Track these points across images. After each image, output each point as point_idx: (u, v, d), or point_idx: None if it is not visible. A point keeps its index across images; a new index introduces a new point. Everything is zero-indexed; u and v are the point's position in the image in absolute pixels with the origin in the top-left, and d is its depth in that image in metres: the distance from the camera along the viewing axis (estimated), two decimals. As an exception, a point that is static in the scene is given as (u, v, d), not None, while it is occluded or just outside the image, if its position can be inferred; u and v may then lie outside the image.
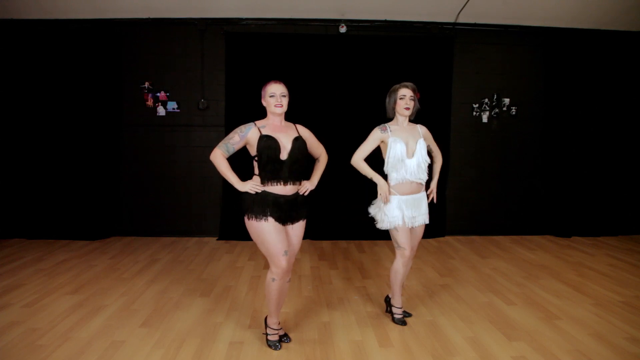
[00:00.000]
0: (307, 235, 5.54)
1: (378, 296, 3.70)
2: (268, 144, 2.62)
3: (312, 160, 2.96)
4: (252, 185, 2.65)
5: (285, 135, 2.70)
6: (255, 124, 2.73)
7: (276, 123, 2.74)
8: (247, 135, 2.69)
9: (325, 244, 5.41)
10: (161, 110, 5.61)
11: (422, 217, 3.11)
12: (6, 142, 5.47)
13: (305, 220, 2.85)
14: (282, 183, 2.66)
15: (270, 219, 2.63)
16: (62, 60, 5.39)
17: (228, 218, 5.56)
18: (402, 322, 3.18)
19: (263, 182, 2.66)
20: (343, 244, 5.44)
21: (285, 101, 2.70)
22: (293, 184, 2.70)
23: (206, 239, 5.64)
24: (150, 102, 5.59)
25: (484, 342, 2.90)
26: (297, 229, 2.80)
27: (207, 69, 5.57)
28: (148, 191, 5.66)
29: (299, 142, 2.70)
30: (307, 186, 2.79)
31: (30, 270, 4.24)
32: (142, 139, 5.62)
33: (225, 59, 5.52)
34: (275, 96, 2.68)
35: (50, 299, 3.55)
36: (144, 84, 5.56)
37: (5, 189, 5.50)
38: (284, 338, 2.89)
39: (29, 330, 2.99)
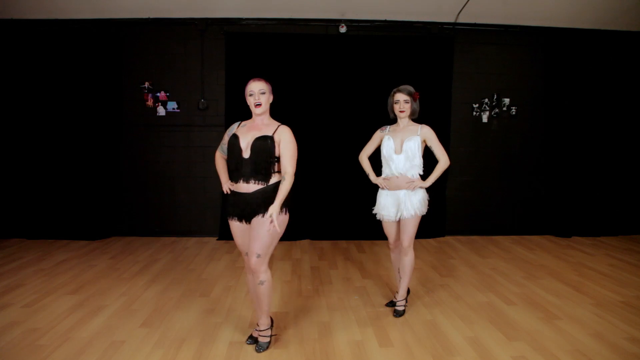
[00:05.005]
0: (307, 235, 5.59)
1: (378, 296, 3.71)
2: (231, 142, 2.69)
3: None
4: (225, 186, 2.80)
5: (256, 133, 2.66)
6: (239, 123, 2.80)
7: (257, 122, 2.72)
8: (231, 132, 2.77)
9: (325, 244, 5.41)
10: (161, 110, 5.61)
11: (403, 212, 3.19)
12: (6, 142, 5.47)
13: (262, 217, 2.61)
14: (243, 180, 2.65)
15: (234, 219, 2.73)
16: (63, 60, 5.38)
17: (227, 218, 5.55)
18: (398, 314, 3.31)
19: (231, 180, 2.74)
20: (343, 244, 5.44)
21: (264, 99, 2.65)
22: (255, 183, 2.63)
23: (206, 239, 5.63)
24: (150, 102, 5.59)
25: (484, 342, 2.90)
26: (254, 226, 2.63)
27: (207, 69, 5.57)
28: (148, 191, 5.66)
29: (260, 141, 2.62)
30: (270, 212, 2.54)
31: (30, 270, 4.24)
32: (142, 139, 5.62)
33: (225, 59, 5.52)
34: (254, 94, 2.65)
35: (50, 299, 3.55)
36: (144, 84, 5.56)
37: (5, 189, 5.50)
38: (249, 340, 2.88)
39: (29, 330, 2.99)
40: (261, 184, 2.64)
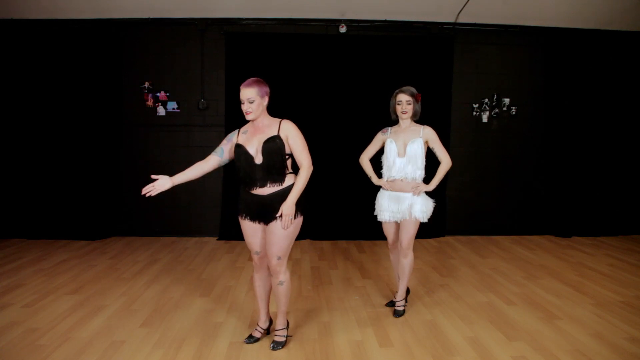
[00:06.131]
0: (307, 235, 5.59)
1: (378, 296, 3.71)
2: (238, 153, 2.65)
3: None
4: (166, 185, 2.74)
5: (261, 137, 2.63)
6: (239, 130, 2.76)
7: (258, 125, 2.69)
8: (232, 141, 2.75)
9: (325, 244, 5.41)
10: (161, 110, 5.61)
11: (402, 213, 3.19)
12: (6, 142, 5.47)
13: (279, 221, 2.61)
14: (258, 186, 2.62)
15: (246, 218, 2.71)
16: (63, 60, 5.38)
17: (228, 218, 5.56)
18: (398, 314, 3.30)
19: (245, 188, 2.68)
20: (343, 244, 5.44)
21: (253, 107, 2.59)
22: (271, 185, 2.62)
23: (206, 239, 5.64)
24: (150, 102, 5.59)
25: (484, 342, 2.90)
26: (272, 229, 2.63)
27: (207, 69, 5.57)
28: (148, 191, 5.66)
29: (269, 144, 2.58)
30: (282, 211, 2.56)
31: (30, 270, 4.24)
32: (142, 139, 5.62)
33: (225, 59, 5.52)
34: (244, 103, 2.61)
35: (50, 299, 3.55)
36: (144, 84, 5.56)
37: (5, 189, 5.50)
38: (247, 340, 2.89)
39: (29, 330, 2.99)
40: (277, 186, 2.62)
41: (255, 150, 2.62)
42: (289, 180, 2.66)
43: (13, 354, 2.69)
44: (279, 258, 2.66)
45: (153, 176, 2.65)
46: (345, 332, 3.04)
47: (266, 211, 2.63)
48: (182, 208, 5.71)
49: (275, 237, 2.63)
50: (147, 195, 2.61)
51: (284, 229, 2.60)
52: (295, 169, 2.70)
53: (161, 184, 2.64)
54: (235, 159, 2.69)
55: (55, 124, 5.43)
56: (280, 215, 2.58)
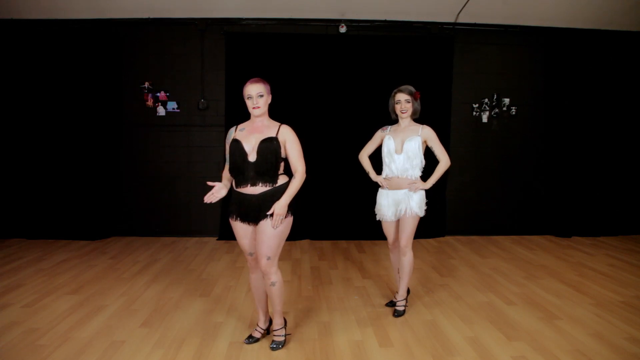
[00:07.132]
0: (307, 235, 5.59)
1: (378, 296, 3.71)
2: (233, 148, 2.65)
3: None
4: (220, 193, 2.70)
5: (259, 136, 2.64)
6: (236, 127, 2.77)
7: (257, 124, 2.70)
8: (230, 139, 2.75)
9: (325, 244, 5.41)
10: (161, 110, 5.61)
11: (400, 211, 3.21)
12: (6, 142, 5.47)
13: (270, 219, 2.61)
14: (249, 184, 2.63)
15: (237, 219, 2.72)
16: (62, 60, 5.38)
17: (228, 218, 5.55)
18: (398, 314, 3.30)
19: (236, 185, 2.69)
20: (343, 244, 5.44)
21: (262, 101, 2.64)
22: (262, 185, 2.63)
23: (206, 239, 5.64)
24: (150, 102, 5.59)
25: (484, 342, 2.90)
26: (262, 228, 2.63)
27: (207, 69, 5.57)
28: (148, 191, 5.66)
29: (266, 143, 2.61)
30: (275, 210, 2.58)
31: (30, 270, 4.24)
32: (142, 139, 5.62)
33: (225, 59, 5.52)
34: (252, 98, 2.63)
35: (50, 299, 3.55)
36: (144, 84, 5.56)
37: (5, 189, 5.50)
38: (246, 340, 2.89)
39: (29, 330, 2.99)
40: (269, 186, 2.63)
41: (250, 148, 2.63)
42: (280, 181, 2.68)
43: (13, 354, 2.69)
44: (269, 258, 2.65)
45: (209, 183, 2.72)
46: (345, 332, 3.04)
47: (256, 211, 2.64)
48: (182, 208, 5.71)
49: (264, 236, 2.63)
50: (209, 202, 2.70)
51: (273, 227, 2.61)
52: (287, 172, 2.72)
53: (220, 191, 2.69)
54: (230, 154, 2.69)
55: (55, 124, 5.43)
56: (271, 214, 2.60)
